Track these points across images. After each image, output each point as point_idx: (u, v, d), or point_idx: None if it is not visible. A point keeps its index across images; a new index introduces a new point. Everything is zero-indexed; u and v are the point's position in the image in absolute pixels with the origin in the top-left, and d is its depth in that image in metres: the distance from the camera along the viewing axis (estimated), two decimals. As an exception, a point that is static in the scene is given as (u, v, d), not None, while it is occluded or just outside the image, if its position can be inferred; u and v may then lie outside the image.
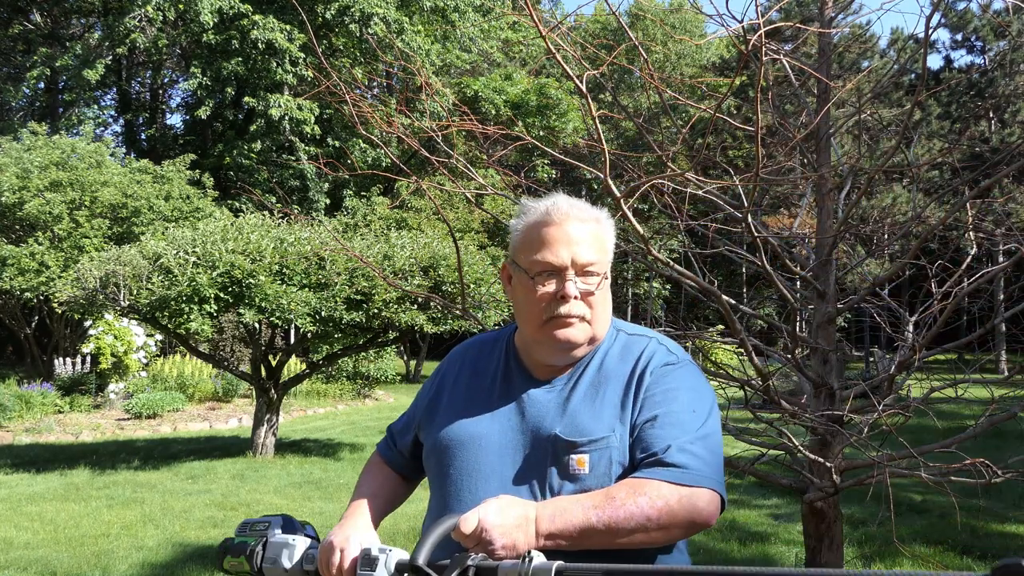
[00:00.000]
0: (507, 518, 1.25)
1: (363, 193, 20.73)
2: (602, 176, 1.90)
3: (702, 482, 1.31)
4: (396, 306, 8.17)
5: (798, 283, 3.46)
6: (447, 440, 1.48)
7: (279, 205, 13.31)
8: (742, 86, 17.18)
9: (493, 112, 21.17)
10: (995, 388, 2.84)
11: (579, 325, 1.44)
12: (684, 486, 1.29)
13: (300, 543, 1.45)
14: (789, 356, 2.89)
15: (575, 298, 1.42)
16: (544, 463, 1.39)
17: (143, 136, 24.41)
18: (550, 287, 1.43)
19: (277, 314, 7.86)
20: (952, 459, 2.66)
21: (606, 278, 1.46)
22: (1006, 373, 13.70)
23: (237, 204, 18.09)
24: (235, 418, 13.10)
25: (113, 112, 26.27)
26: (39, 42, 21.25)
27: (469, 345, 1.63)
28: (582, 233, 1.43)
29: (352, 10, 18.66)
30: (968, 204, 2.84)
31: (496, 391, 1.50)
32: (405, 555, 1.28)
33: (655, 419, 1.38)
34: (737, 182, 2.62)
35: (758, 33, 1.73)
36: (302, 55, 18.73)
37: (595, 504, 1.29)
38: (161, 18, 18.76)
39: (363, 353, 15.05)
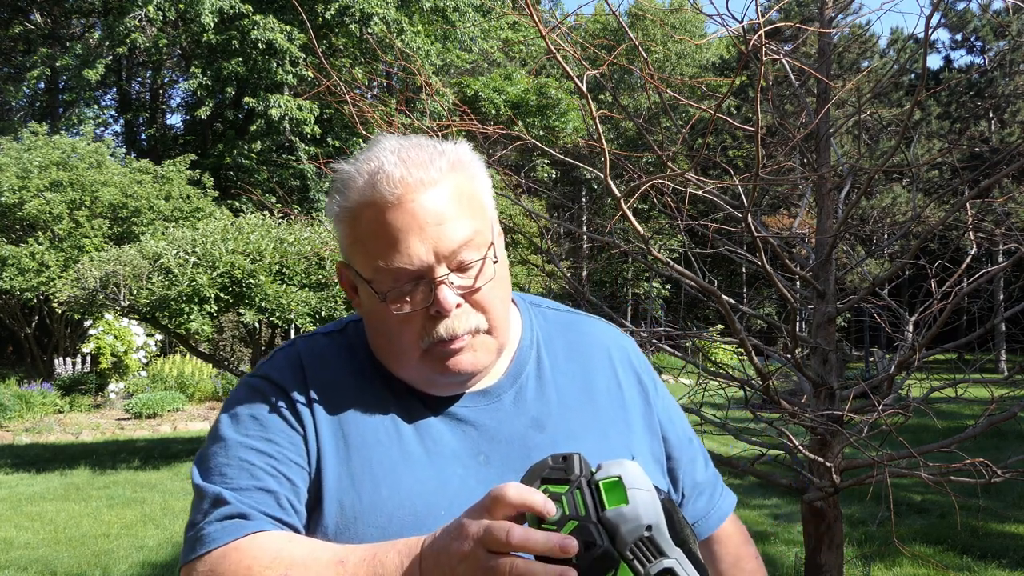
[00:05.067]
0: None
1: (363, 193, 20.71)
2: (602, 176, 1.90)
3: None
4: (396, 306, 8.19)
5: (798, 283, 3.47)
6: (387, 518, 0.94)
7: (279, 205, 13.30)
8: (742, 86, 17.20)
9: (493, 112, 21.16)
10: (995, 388, 2.84)
11: (476, 340, 0.97)
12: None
13: None
14: (789, 356, 2.89)
15: (457, 307, 0.95)
16: None
17: (143, 136, 24.42)
18: (417, 303, 0.94)
19: (277, 314, 7.87)
20: (952, 459, 2.66)
21: (492, 250, 0.97)
22: (1006, 373, 13.71)
23: (237, 204, 18.09)
24: (235, 418, 13.09)
25: (113, 112, 26.31)
26: (39, 42, 21.25)
27: (308, 377, 1.02)
28: (437, 202, 0.93)
29: (352, 10, 18.67)
30: (968, 204, 2.84)
31: (410, 433, 0.98)
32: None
33: (690, 437, 1.18)
34: (737, 182, 2.61)
35: (758, 33, 1.73)
36: (302, 55, 18.74)
37: None
38: (161, 18, 18.76)
39: (363, 353, 15.04)
